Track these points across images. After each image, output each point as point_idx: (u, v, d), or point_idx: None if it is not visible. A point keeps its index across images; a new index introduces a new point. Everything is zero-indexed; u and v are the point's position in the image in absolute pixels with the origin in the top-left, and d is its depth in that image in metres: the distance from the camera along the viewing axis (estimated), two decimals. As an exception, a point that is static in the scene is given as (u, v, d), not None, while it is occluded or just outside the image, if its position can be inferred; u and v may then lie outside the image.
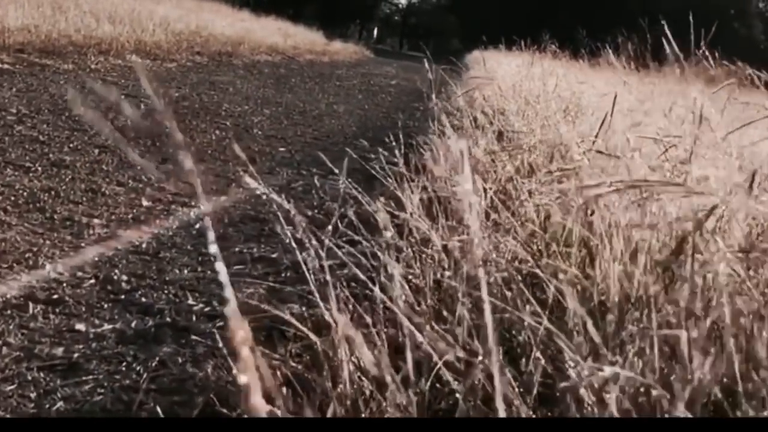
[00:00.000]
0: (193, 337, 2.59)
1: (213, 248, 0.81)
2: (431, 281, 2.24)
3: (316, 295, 1.81)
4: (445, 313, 2.08)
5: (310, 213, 4.30)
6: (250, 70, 14.62)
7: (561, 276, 2.35)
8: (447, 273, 2.20)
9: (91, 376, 2.28)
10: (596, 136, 2.14)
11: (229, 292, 0.77)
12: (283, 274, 3.26)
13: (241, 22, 22.70)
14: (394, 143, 3.50)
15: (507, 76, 7.97)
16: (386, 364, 1.21)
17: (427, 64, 4.70)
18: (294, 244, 1.92)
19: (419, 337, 1.62)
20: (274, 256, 3.57)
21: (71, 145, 5.38)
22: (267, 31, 23.06)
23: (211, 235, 0.83)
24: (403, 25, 52.78)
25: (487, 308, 0.94)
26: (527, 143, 2.25)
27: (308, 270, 1.64)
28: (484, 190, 2.68)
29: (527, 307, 2.12)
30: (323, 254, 1.85)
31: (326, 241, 1.93)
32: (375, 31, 50.20)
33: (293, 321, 1.90)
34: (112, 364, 2.38)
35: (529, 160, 2.93)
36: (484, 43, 12.54)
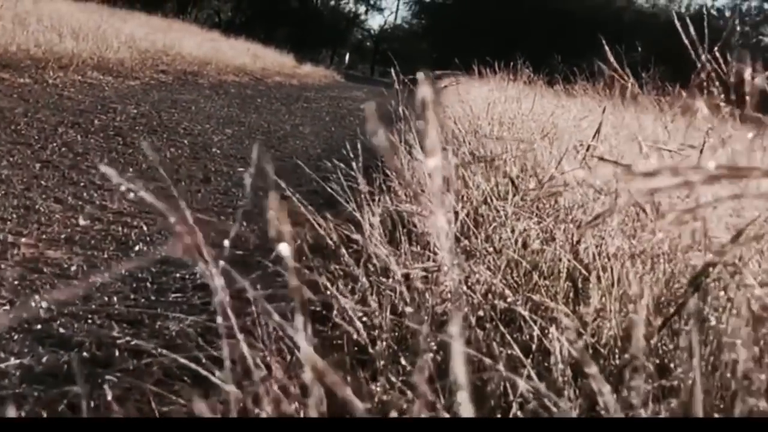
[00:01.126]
0: (110, 377, 2.22)
1: None
2: (388, 318, 1.88)
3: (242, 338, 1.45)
4: (403, 360, 1.73)
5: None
6: (216, 89, 14.26)
7: (544, 313, 2.01)
8: (408, 308, 1.86)
9: (-20, 424, 1.90)
10: (592, 140, 1.82)
11: None
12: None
13: (210, 42, 22.33)
14: (358, 164, 3.17)
15: (479, 98, 7.67)
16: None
17: (395, 86, 4.41)
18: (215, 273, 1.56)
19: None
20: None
21: (11, 159, 4.99)
22: (236, 52, 22.70)
23: None
24: (374, 51, 52.61)
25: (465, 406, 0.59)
26: (501, 157, 1.91)
27: (228, 307, 1.28)
28: (455, 212, 2.34)
29: (503, 351, 1.78)
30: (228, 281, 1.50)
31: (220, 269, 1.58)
32: (346, 57, 50.02)
33: (207, 373, 1.54)
34: (7, 408, 2.00)
35: (505, 179, 2.59)
36: (457, 69, 12.26)
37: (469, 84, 9.86)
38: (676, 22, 1.78)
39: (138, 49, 15.75)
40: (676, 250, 1.68)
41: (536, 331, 1.68)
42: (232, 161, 6.51)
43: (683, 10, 45.82)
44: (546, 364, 1.90)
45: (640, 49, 8.92)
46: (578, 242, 2.10)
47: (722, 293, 1.47)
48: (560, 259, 2.11)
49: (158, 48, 17.08)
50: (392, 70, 3.73)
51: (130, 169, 5.41)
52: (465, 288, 1.90)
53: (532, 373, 1.49)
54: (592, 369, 0.91)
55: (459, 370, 0.66)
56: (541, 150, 2.66)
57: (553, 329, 1.53)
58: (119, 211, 4.16)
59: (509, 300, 1.82)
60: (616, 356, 1.81)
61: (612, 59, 2.74)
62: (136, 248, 3.57)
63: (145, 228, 3.90)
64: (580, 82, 8.21)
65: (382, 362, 1.66)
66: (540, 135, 4.04)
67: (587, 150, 1.66)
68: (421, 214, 2.12)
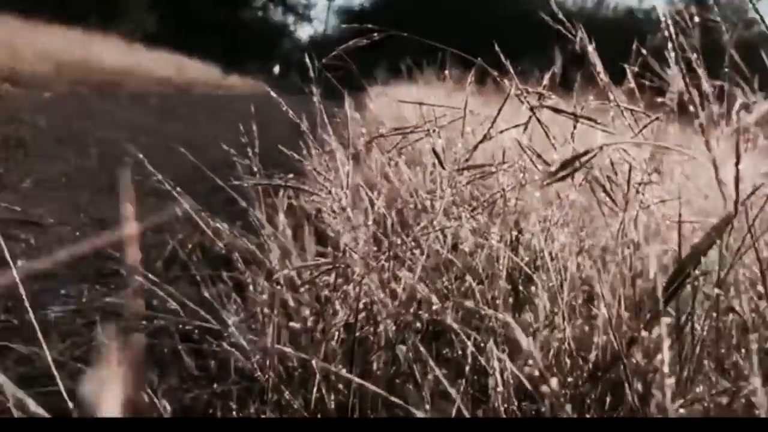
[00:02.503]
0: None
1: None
2: (274, 336, 1.51)
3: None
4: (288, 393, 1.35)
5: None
6: (136, 100, 13.74)
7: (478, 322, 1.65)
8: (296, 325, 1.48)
9: None
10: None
11: None
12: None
13: (132, 55, 21.69)
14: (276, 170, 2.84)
15: (408, 97, 7.34)
16: None
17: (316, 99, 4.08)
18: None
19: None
20: (108, 299, 2.80)
21: None
22: (159, 64, 22.11)
23: None
24: (303, 62, 51.89)
25: None
26: (423, 127, 1.56)
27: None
28: (371, 202, 1.97)
29: (429, 373, 1.42)
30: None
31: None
32: (276, 68, 49.46)
33: None
34: None
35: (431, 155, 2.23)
36: (388, 75, 11.94)
37: (397, 85, 9.56)
38: None
39: (54, 62, 15.17)
40: (642, 239, 1.34)
41: (470, 347, 1.32)
42: (144, 170, 6.07)
43: (610, 13, 46.41)
44: (482, 383, 1.55)
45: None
46: (518, 237, 1.76)
47: (715, 290, 1.13)
48: (497, 259, 1.75)
49: (76, 60, 16.47)
50: (313, 80, 3.42)
51: (27, 180, 4.95)
52: (381, 295, 1.53)
53: (461, 406, 1.14)
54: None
55: None
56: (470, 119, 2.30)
57: (491, 345, 1.17)
58: (4, 221, 3.73)
59: (435, 308, 1.47)
60: (569, 375, 1.46)
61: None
62: (19, 263, 3.14)
63: (32, 241, 3.47)
64: (509, 82, 7.91)
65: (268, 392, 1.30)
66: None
67: (539, 97, 1.31)
68: (332, 210, 1.77)
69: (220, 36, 44.37)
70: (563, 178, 0.65)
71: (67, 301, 2.74)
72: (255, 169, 2.53)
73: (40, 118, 8.50)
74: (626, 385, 1.13)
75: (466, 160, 1.43)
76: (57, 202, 4.38)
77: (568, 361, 1.39)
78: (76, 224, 3.93)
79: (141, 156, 2.01)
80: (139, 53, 23.11)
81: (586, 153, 0.65)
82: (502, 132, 1.37)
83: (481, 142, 1.32)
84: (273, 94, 1.58)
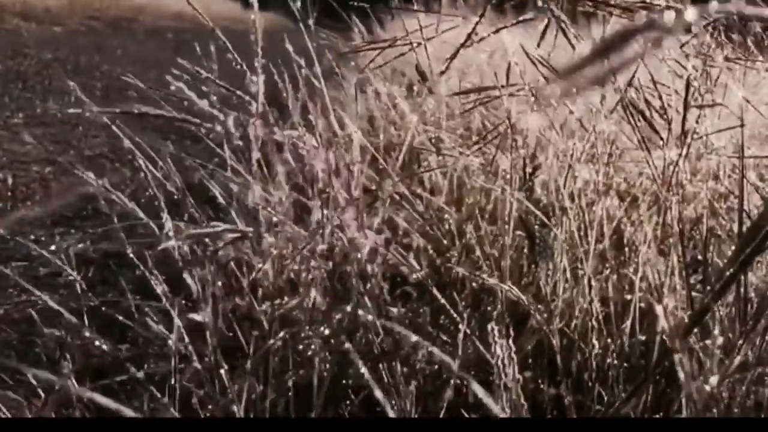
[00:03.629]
0: None
1: None
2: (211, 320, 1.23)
3: None
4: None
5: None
6: (151, 35, 13.40)
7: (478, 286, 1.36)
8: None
9: None
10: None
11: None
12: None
13: (150, -11, 21.24)
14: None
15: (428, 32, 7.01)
16: None
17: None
18: None
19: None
20: (81, 245, 2.54)
21: None
22: (177, -1, 21.67)
23: None
24: (325, -4, 51.20)
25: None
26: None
27: None
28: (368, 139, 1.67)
29: (423, 348, 1.13)
30: None
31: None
32: (298, 2, 48.94)
33: None
34: None
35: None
36: (403, 5, 11.52)
37: (413, 17, 9.19)
38: None
39: (69, -4, 14.82)
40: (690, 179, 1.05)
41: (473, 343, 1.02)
42: (147, 103, 5.78)
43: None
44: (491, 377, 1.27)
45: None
46: (533, 172, 1.47)
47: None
48: (508, 203, 1.45)
49: (92, -6, 16.09)
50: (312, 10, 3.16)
51: (20, 115, 4.67)
52: (366, 239, 1.24)
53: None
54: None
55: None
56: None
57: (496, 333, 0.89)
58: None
59: (418, 275, 1.18)
60: (592, 351, 1.18)
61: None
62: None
63: (9, 181, 3.20)
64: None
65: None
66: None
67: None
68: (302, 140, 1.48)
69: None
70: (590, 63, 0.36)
71: (35, 248, 2.48)
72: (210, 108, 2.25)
73: (46, 52, 8.21)
74: (686, 386, 0.84)
75: (442, 73, 1.14)
76: (47, 138, 4.11)
77: (596, 342, 1.11)
78: (62, 162, 3.66)
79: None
80: (157, -12, 22.63)
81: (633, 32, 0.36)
82: (496, 31, 1.07)
83: (462, 45, 1.02)
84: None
